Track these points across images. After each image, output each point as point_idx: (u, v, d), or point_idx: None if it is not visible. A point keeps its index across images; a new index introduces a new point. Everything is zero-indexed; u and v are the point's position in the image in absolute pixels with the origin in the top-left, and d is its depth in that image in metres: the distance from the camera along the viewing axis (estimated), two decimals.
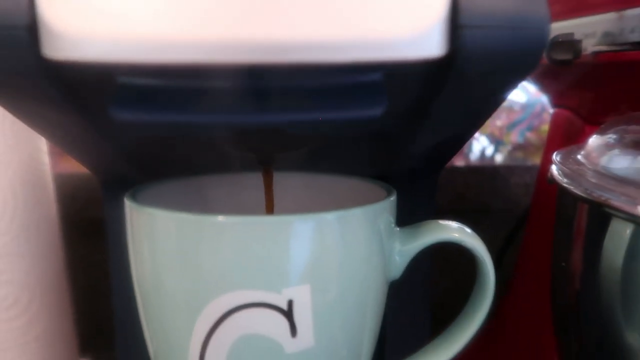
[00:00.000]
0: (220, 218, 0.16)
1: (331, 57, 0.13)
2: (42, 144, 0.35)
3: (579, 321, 0.22)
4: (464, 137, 0.20)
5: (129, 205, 0.18)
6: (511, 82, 0.15)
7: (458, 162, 0.50)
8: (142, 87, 0.13)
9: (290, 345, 0.17)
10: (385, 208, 0.19)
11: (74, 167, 0.45)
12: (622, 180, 0.19)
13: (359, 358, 0.19)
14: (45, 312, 0.36)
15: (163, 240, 0.17)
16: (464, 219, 0.22)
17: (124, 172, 0.21)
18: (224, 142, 0.18)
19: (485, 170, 0.45)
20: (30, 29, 0.13)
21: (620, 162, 0.20)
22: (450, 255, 0.26)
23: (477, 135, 0.55)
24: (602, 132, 0.22)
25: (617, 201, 0.18)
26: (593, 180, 0.19)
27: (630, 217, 0.18)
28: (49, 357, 0.37)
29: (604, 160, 0.21)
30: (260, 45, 0.12)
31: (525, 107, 0.50)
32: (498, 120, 0.52)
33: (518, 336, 0.36)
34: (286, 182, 0.23)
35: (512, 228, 0.40)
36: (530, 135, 0.51)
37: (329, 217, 0.17)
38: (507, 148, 0.52)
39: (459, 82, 0.15)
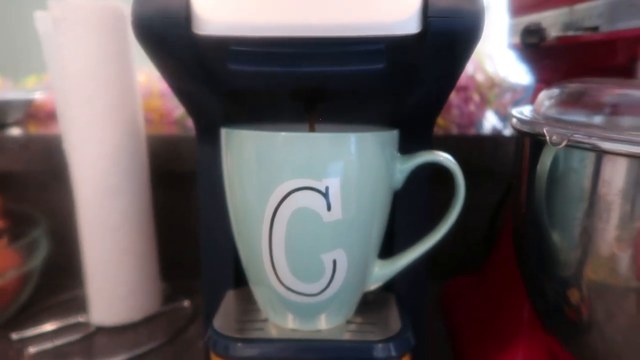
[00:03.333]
0: (284, 134, 0.26)
1: (354, 33, 0.23)
2: (138, 107, 0.46)
3: (525, 227, 0.31)
4: (445, 92, 0.30)
5: (225, 131, 0.29)
6: (464, 50, 0.25)
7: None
8: (247, 51, 0.24)
9: (327, 216, 0.27)
10: (389, 136, 0.28)
11: (155, 130, 0.57)
12: (553, 119, 0.28)
13: (371, 231, 0.29)
14: (140, 236, 0.47)
15: (248, 150, 0.27)
16: (469, 179, 0.30)
17: (216, 119, 0.32)
18: (288, 92, 0.28)
19: (488, 139, 0.54)
20: (186, 16, 0.23)
21: (554, 107, 0.29)
22: (445, 181, 0.35)
23: (486, 112, 0.64)
24: (549, 89, 0.31)
25: (547, 132, 0.27)
26: (534, 120, 0.29)
27: (553, 143, 0.27)
28: (141, 271, 0.48)
29: (544, 107, 0.30)
30: (313, 26, 0.22)
31: (526, 88, 0.59)
32: (504, 99, 0.60)
33: (502, 279, 0.45)
34: (321, 129, 0.33)
35: (504, 190, 0.49)
36: None
37: (352, 136, 0.27)
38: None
39: (431, 51, 0.24)
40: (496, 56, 0.62)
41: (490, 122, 0.62)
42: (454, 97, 0.58)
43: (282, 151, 0.26)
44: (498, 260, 0.47)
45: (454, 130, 0.56)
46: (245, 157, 0.28)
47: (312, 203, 0.27)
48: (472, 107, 0.59)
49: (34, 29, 0.46)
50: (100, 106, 0.43)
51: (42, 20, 0.44)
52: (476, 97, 0.59)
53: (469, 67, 0.59)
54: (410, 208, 0.34)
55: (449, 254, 0.59)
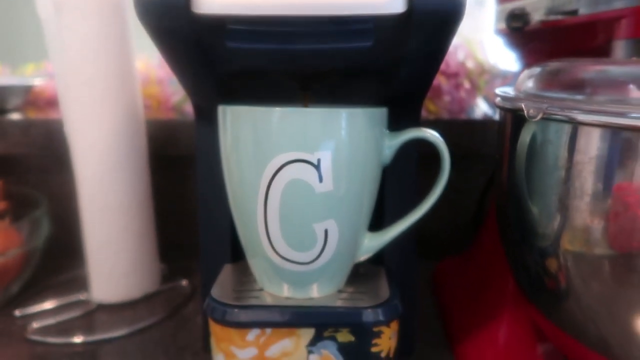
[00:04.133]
0: (278, 108, 0.28)
1: (344, 12, 0.24)
2: (137, 90, 0.48)
3: (507, 201, 0.33)
4: (431, 71, 0.31)
5: (222, 108, 0.30)
6: (447, 29, 0.26)
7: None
8: (244, 29, 0.25)
9: (319, 187, 0.29)
10: (378, 113, 0.30)
11: (153, 115, 0.58)
12: (532, 95, 0.30)
13: (361, 203, 0.31)
14: (139, 216, 0.49)
15: (244, 125, 0.29)
16: (460, 163, 0.32)
17: (213, 100, 0.33)
18: (282, 72, 0.30)
19: (478, 123, 0.55)
20: None
21: (534, 85, 0.30)
22: (432, 160, 0.37)
23: (477, 99, 0.65)
24: (530, 68, 0.33)
25: (524, 106, 0.28)
26: (514, 97, 0.30)
27: (530, 116, 0.28)
28: (141, 250, 0.50)
29: (524, 85, 0.31)
30: (306, 5, 0.24)
31: (515, 74, 0.60)
32: (494, 86, 0.62)
33: (488, 257, 0.46)
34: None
35: (492, 172, 0.50)
36: None
37: (343, 112, 0.28)
38: None
39: (417, 30, 0.26)
40: (487, 44, 0.64)
41: (480, 108, 0.64)
42: (445, 83, 0.60)
43: (276, 125, 0.28)
44: (485, 240, 0.49)
45: (445, 117, 0.58)
46: (242, 132, 0.29)
47: (304, 175, 0.28)
48: (462, 94, 0.61)
49: (32, 18, 0.47)
50: (99, 88, 0.44)
51: (43, 5, 0.45)
52: (467, 84, 0.61)
53: (460, 54, 0.61)
54: (399, 186, 0.35)
55: (440, 235, 0.61)
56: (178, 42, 0.27)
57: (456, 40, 0.61)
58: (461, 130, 0.55)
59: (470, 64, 0.61)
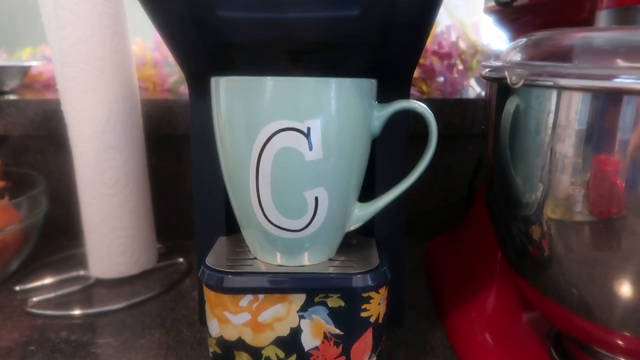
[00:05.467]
0: (269, 78, 0.28)
1: None
2: (132, 69, 0.48)
3: (493, 172, 0.34)
4: (418, 43, 0.32)
5: (214, 80, 0.31)
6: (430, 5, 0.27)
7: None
8: None
9: (309, 155, 0.29)
10: (366, 83, 0.31)
11: (149, 96, 0.59)
12: (516, 63, 0.30)
13: (351, 172, 0.31)
14: (135, 194, 0.49)
15: (235, 95, 0.30)
16: (451, 142, 0.33)
17: (205, 70, 0.34)
18: (272, 43, 0.30)
19: (470, 102, 0.56)
20: None
21: (519, 54, 0.31)
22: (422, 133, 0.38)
23: (470, 80, 0.66)
24: (515, 39, 0.33)
25: (507, 74, 0.29)
26: (499, 66, 0.31)
27: (512, 83, 0.29)
28: (137, 227, 0.50)
29: (510, 55, 0.32)
30: None
31: None
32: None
33: (477, 233, 0.47)
34: None
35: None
36: None
37: (333, 81, 0.29)
38: None
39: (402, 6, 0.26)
40: (481, 26, 0.64)
41: (474, 89, 0.65)
42: (437, 64, 0.61)
43: (267, 95, 0.29)
44: (475, 217, 0.50)
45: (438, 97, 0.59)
46: (233, 102, 0.30)
47: (295, 143, 0.29)
48: (455, 75, 0.61)
49: (30, 2, 0.47)
50: (95, 67, 0.45)
51: None
52: (459, 65, 0.62)
53: (452, 35, 0.61)
54: (389, 160, 0.36)
55: (432, 214, 0.61)
56: (170, 11, 0.28)
57: (449, 22, 0.62)
58: (453, 110, 0.55)
59: (462, 45, 0.61)
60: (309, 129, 0.29)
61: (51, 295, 0.46)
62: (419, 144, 0.37)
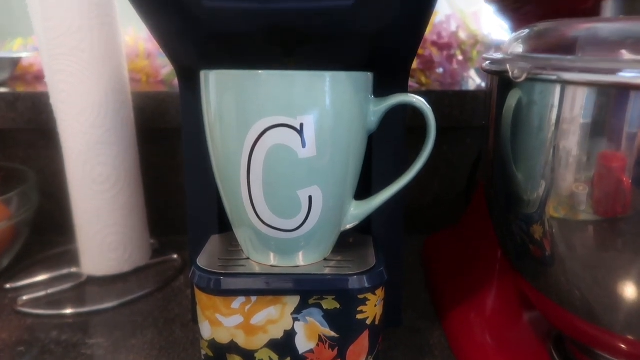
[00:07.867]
0: (260, 71, 0.27)
1: None
2: (122, 61, 0.47)
3: (493, 169, 0.33)
4: (415, 36, 0.31)
5: (204, 73, 0.29)
6: None
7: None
8: None
9: (302, 152, 0.28)
10: (362, 77, 0.29)
11: (142, 88, 0.57)
12: (518, 56, 0.29)
13: (346, 170, 0.30)
14: (127, 189, 0.48)
15: (225, 89, 0.28)
16: (450, 135, 0.32)
17: (195, 63, 0.33)
18: (264, 35, 0.29)
19: (470, 94, 0.55)
20: None
21: (522, 46, 0.30)
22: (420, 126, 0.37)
23: (470, 71, 0.64)
24: (517, 29, 0.32)
25: (509, 67, 0.27)
26: (500, 59, 0.29)
27: (515, 77, 0.27)
28: (130, 223, 0.49)
29: (512, 47, 0.31)
30: None
31: None
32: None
33: (477, 229, 0.46)
34: None
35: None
36: None
37: (327, 75, 0.28)
38: None
39: None
40: (482, 16, 0.63)
41: (474, 81, 0.63)
42: (437, 55, 0.59)
43: (258, 89, 0.27)
44: (474, 213, 0.49)
45: (437, 89, 0.57)
46: (223, 96, 0.29)
47: (287, 140, 0.28)
48: (455, 65, 0.60)
49: None
50: (83, 59, 0.43)
51: None
52: (459, 55, 0.60)
53: (452, 24, 0.60)
54: (387, 156, 0.35)
55: (431, 209, 0.60)
56: (158, 5, 0.26)
57: (449, 11, 0.60)
58: (452, 102, 0.54)
59: (462, 35, 0.60)
60: (302, 125, 0.28)
61: (42, 293, 0.45)
62: (418, 136, 0.36)
